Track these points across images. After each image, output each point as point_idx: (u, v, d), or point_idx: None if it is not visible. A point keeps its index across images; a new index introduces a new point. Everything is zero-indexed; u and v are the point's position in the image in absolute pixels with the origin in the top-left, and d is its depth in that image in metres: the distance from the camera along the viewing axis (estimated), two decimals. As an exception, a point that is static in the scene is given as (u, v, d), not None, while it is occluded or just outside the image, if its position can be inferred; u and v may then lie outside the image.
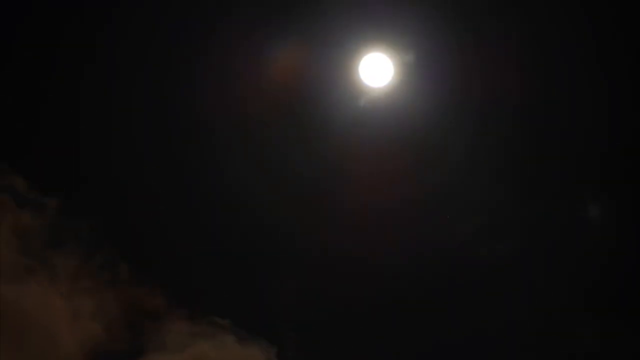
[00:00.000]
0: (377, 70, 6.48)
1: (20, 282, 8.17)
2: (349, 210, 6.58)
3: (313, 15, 6.55)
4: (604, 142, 6.50)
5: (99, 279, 7.95)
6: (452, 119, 6.69)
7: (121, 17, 6.94)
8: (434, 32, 6.60)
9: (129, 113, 6.83)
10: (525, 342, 6.48)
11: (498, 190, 6.49)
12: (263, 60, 6.48)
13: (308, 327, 6.86)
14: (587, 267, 6.53)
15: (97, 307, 8.13)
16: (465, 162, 6.71)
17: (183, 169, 6.75)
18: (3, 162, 7.82)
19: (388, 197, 6.53)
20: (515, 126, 6.53)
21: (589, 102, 6.37)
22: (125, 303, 7.82)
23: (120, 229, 7.27)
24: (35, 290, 7.97)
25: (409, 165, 6.48)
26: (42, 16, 6.60)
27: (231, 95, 6.63)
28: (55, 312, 7.98)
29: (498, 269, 6.44)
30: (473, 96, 6.65)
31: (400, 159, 6.46)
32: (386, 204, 6.55)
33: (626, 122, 6.42)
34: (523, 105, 6.52)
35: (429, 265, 6.81)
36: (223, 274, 7.09)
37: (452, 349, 6.30)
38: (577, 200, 6.50)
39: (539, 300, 6.61)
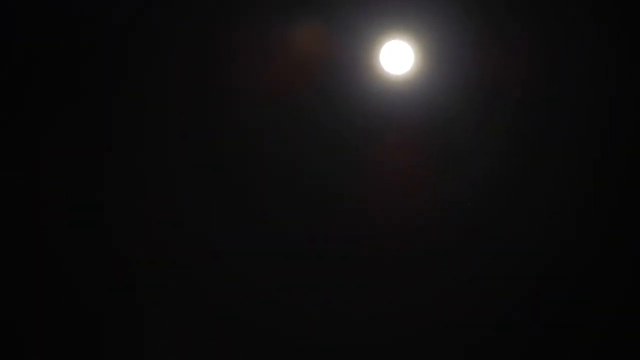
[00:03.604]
0: (397, 57, 6.55)
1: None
2: (366, 202, 6.69)
3: (333, 2, 6.58)
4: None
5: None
6: (473, 108, 6.78)
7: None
8: (455, 20, 6.65)
9: (164, 89, 6.83)
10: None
11: (514, 177, 6.64)
12: (280, 48, 6.51)
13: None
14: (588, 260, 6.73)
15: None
16: (483, 152, 6.83)
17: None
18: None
19: (404, 186, 6.65)
20: (539, 114, 6.65)
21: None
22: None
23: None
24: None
25: (427, 155, 6.59)
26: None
27: (246, 84, 6.66)
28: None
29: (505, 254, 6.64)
30: (494, 85, 6.73)
31: (419, 148, 6.57)
32: (401, 192, 6.67)
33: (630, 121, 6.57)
34: (548, 93, 6.63)
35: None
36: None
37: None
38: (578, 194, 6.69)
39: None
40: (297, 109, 6.71)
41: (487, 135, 6.68)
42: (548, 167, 6.59)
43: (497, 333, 6.60)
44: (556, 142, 6.57)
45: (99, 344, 6.41)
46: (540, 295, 6.56)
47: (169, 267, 6.72)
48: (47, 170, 6.76)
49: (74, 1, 6.80)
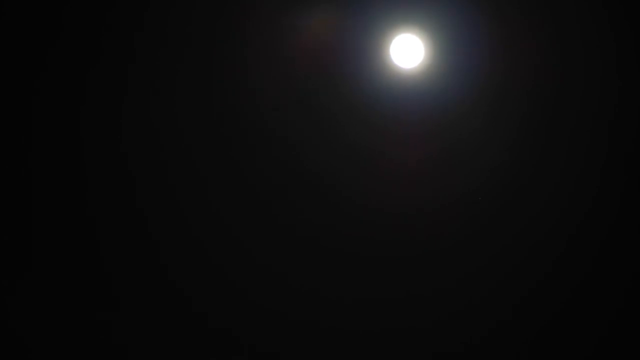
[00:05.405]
0: (408, 51, 6.46)
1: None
2: (375, 192, 6.71)
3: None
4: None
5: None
6: (482, 102, 6.72)
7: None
8: (466, 15, 6.53)
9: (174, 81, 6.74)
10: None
11: (525, 169, 6.66)
12: (291, 42, 6.42)
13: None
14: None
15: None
16: (493, 146, 6.81)
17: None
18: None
19: (413, 178, 6.67)
20: (547, 108, 6.61)
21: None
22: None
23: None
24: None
25: (436, 148, 6.59)
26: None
27: (256, 78, 6.59)
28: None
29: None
30: (503, 80, 6.65)
31: (428, 141, 6.56)
32: (410, 184, 6.70)
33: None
34: (557, 88, 6.56)
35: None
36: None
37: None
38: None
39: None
40: (306, 101, 6.66)
41: (497, 129, 6.66)
42: (557, 160, 6.59)
43: (513, 318, 6.73)
44: (564, 136, 6.56)
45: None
46: (547, 287, 6.67)
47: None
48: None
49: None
